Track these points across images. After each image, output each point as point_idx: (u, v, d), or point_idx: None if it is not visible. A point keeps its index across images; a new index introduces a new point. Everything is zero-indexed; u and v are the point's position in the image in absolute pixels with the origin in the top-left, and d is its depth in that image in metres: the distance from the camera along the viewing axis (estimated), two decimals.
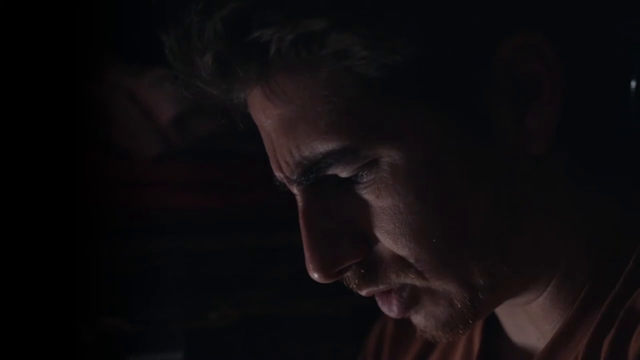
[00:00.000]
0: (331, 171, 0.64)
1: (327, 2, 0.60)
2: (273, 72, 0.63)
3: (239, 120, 0.70)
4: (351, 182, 0.65)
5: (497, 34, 0.62)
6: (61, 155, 0.95)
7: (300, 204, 0.67)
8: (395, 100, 0.62)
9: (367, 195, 0.65)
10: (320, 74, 0.62)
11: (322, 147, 0.63)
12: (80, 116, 0.98)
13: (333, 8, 0.60)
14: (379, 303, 0.70)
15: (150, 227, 1.03)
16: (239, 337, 1.08)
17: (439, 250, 0.64)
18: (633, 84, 0.68)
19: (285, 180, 0.67)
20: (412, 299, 0.68)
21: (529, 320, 0.73)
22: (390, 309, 0.69)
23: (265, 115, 0.65)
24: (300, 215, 0.67)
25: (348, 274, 0.67)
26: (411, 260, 0.65)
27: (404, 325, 0.72)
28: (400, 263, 0.66)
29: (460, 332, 0.69)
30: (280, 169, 0.66)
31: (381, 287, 0.68)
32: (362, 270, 0.67)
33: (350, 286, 0.68)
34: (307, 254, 0.66)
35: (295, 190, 0.67)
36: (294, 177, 0.65)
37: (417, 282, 0.66)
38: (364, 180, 0.64)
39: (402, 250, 0.65)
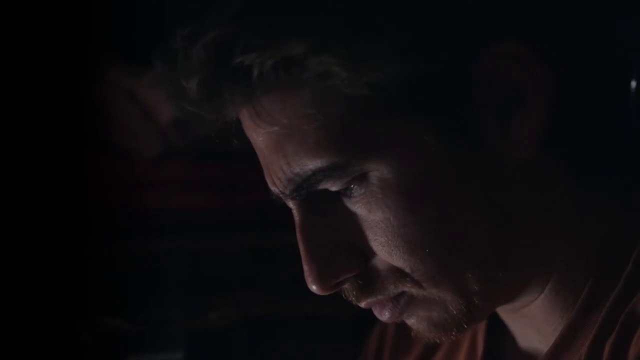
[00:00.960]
0: (322, 186, 0.65)
1: (306, 25, 0.60)
2: (258, 95, 0.63)
3: (233, 135, 0.70)
4: (344, 196, 0.65)
5: (476, 44, 0.63)
6: (61, 155, 0.95)
7: (296, 218, 0.67)
8: (380, 115, 0.63)
9: (360, 209, 0.65)
10: (304, 94, 0.62)
11: (312, 163, 0.63)
12: (80, 116, 0.98)
13: (311, 31, 0.60)
14: (372, 307, 0.70)
15: (150, 227, 1.03)
16: (239, 337, 1.08)
17: (433, 259, 0.65)
18: (633, 84, 0.68)
19: (280, 195, 0.68)
20: (407, 305, 0.68)
21: (530, 322, 0.73)
22: (382, 313, 0.69)
23: (256, 133, 0.66)
24: (298, 230, 0.67)
25: (346, 286, 0.68)
26: (407, 271, 0.66)
27: (406, 327, 0.72)
28: (397, 274, 0.66)
29: (454, 335, 0.69)
30: (275, 184, 0.67)
31: (379, 297, 0.68)
32: (360, 282, 0.68)
33: (350, 299, 0.69)
34: (305, 268, 0.67)
35: (290, 204, 0.68)
36: (287, 192, 0.66)
37: (414, 291, 0.67)
38: (355, 194, 0.65)
39: (398, 262, 0.65)
